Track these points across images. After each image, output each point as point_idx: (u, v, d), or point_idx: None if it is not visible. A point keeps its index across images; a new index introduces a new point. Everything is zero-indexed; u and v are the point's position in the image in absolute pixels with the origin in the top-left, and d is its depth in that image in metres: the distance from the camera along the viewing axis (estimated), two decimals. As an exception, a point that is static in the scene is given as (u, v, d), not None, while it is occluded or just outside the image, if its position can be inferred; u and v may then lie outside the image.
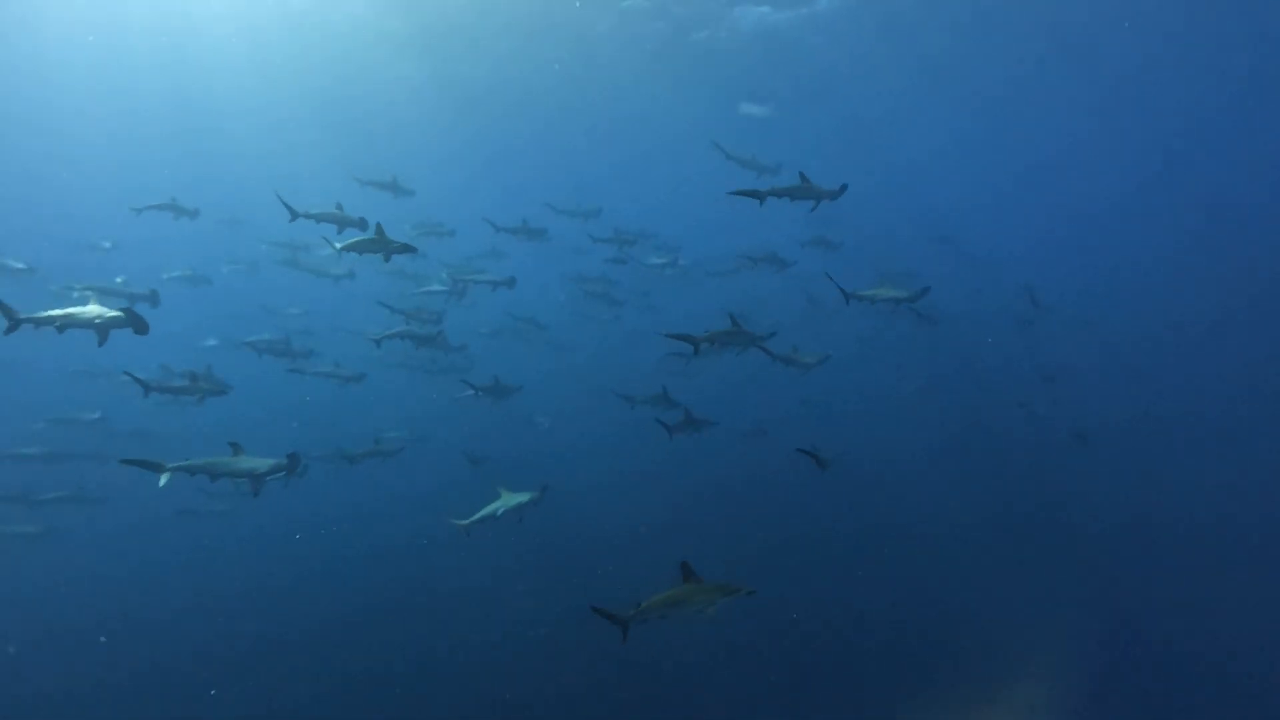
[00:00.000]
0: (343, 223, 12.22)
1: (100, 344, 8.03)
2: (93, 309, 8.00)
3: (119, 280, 15.36)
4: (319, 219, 12.12)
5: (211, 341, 22.36)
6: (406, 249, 10.18)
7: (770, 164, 22.01)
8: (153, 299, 13.61)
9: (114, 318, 7.92)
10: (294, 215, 11.83)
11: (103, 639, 12.55)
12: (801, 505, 16.00)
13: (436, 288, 19.78)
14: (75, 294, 14.99)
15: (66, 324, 8.01)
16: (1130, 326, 26.58)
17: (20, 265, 17.46)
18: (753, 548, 13.98)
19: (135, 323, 7.94)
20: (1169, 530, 15.90)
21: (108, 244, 22.99)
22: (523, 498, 10.30)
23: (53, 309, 8.17)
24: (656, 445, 13.56)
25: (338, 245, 11.50)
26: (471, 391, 15.59)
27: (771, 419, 18.98)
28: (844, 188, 10.23)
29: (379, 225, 10.60)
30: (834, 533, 15.39)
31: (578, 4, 24.94)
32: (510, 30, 26.45)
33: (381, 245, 10.13)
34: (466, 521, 10.20)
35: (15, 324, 7.91)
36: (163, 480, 8.75)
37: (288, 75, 31.47)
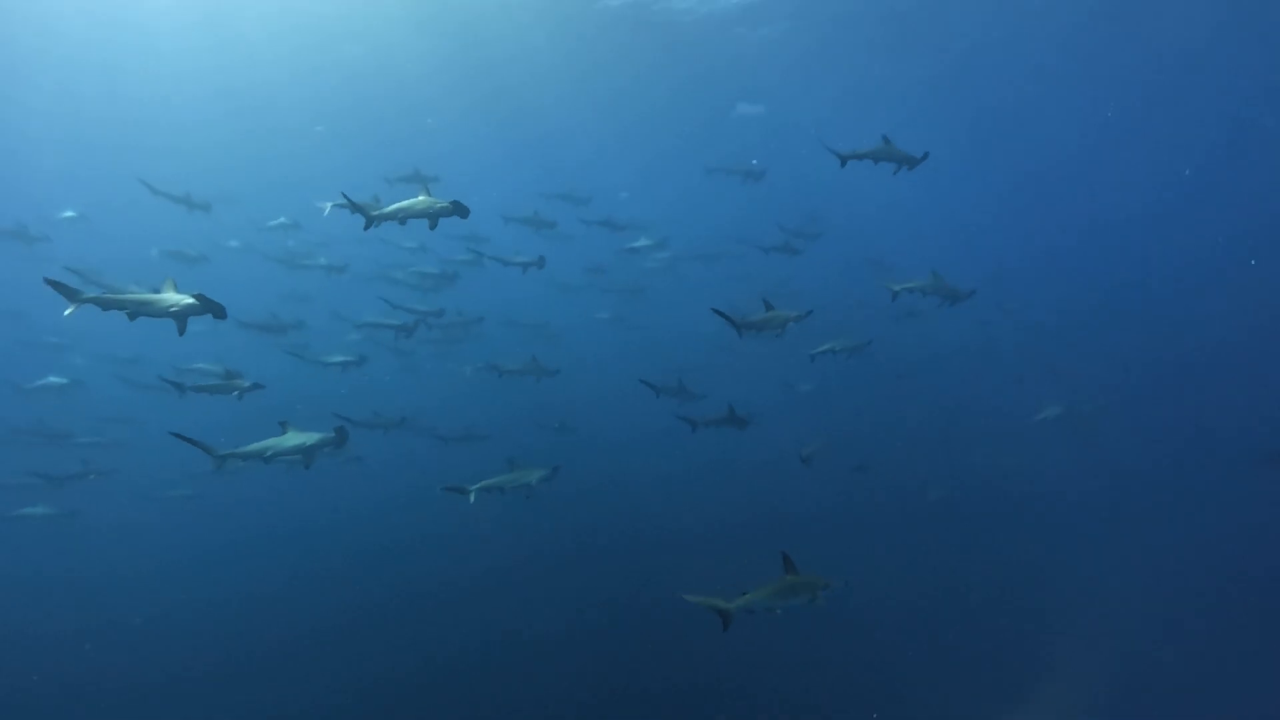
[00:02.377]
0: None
1: (180, 333, 7.69)
2: (169, 295, 7.59)
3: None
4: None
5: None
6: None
7: (758, 169, 22.37)
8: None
9: (191, 305, 7.54)
10: (367, 221, 9.13)
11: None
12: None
13: (430, 270, 19.54)
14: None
15: (139, 311, 7.58)
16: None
17: (35, 233, 17.15)
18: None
19: (213, 308, 7.62)
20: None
21: (70, 213, 21.72)
22: (531, 475, 10.11)
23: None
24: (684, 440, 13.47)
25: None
26: (502, 373, 15.30)
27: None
28: (925, 155, 10.32)
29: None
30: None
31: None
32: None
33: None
34: (474, 488, 9.83)
35: (79, 303, 7.35)
36: (218, 467, 8.61)
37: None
